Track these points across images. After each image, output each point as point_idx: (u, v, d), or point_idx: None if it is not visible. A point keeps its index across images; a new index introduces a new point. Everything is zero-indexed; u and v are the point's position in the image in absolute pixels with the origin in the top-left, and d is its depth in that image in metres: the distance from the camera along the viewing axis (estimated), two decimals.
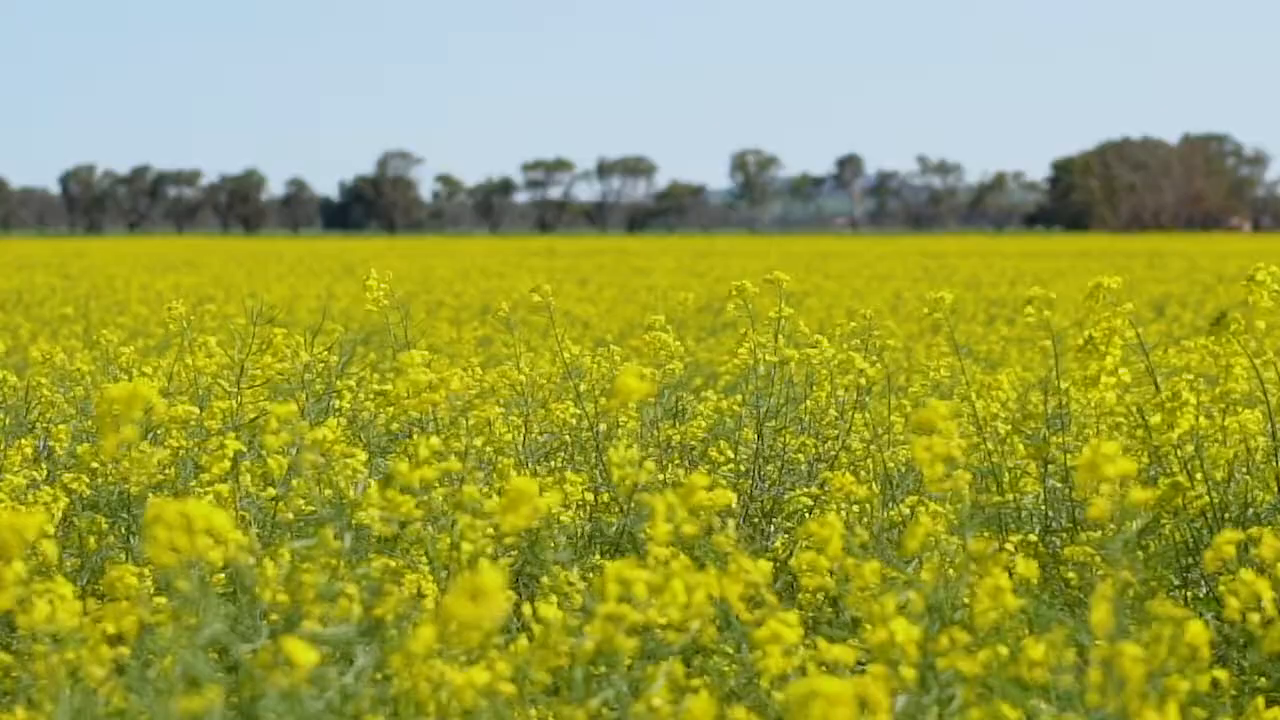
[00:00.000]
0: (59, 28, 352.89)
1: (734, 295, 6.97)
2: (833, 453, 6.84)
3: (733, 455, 6.84)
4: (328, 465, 4.31)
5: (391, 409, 5.99)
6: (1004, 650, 3.41)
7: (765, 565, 3.50)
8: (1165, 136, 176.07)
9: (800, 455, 6.87)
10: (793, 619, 3.40)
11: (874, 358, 6.96)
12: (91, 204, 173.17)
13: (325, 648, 3.27)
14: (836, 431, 6.93)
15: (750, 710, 3.34)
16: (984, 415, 6.23)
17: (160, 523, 3.00)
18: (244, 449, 5.23)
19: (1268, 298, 5.26)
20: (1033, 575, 3.82)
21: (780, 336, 6.91)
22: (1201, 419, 5.36)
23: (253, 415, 6.88)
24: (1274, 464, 5.38)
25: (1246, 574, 3.56)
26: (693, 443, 7.06)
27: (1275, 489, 5.36)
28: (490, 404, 7.02)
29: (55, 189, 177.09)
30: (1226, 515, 5.30)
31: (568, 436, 7.11)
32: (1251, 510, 5.36)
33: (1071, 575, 5.00)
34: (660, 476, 6.43)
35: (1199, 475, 5.34)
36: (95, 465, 6.34)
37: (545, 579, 3.22)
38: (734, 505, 5.95)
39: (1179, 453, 5.43)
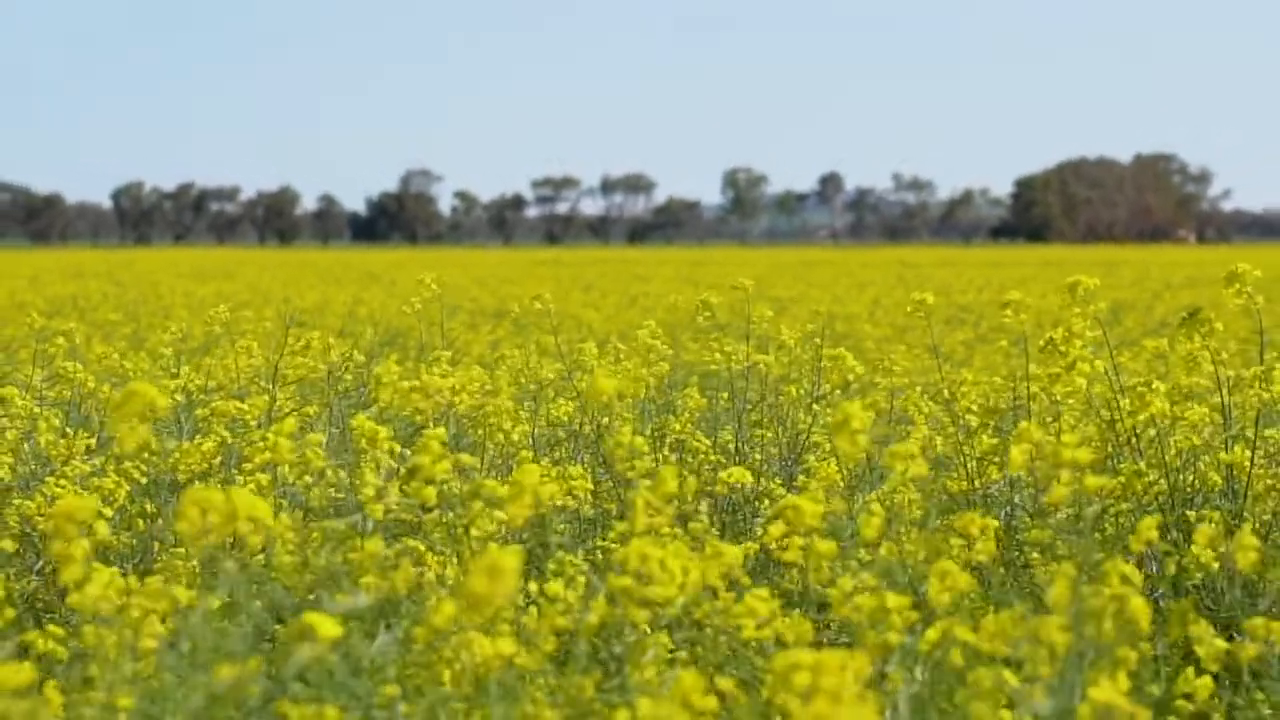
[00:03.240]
0: (112, 58, 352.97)
1: (700, 309, 7.00)
2: (804, 445, 6.83)
3: (710, 444, 6.83)
4: (356, 456, 4.29)
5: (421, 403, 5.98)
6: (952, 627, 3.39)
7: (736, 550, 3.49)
8: (1118, 156, 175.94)
9: (774, 449, 6.87)
10: (765, 595, 3.38)
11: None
12: (140, 218, 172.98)
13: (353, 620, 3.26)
14: (808, 425, 6.92)
15: (735, 678, 3.32)
16: (957, 409, 6.20)
17: (194, 505, 2.99)
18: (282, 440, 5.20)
19: (1236, 295, 5.25)
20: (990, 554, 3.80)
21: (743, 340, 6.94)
22: (1164, 406, 5.33)
23: (289, 410, 6.88)
24: (1225, 453, 5.37)
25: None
26: (683, 436, 7.05)
27: (1224, 476, 5.35)
28: (503, 400, 6.99)
29: (107, 204, 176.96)
30: (1177, 499, 5.27)
31: (561, 432, 7.10)
32: (1202, 495, 5.33)
33: (1036, 556, 4.98)
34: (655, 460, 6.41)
35: (1157, 462, 5.31)
36: (147, 455, 6.32)
37: (551, 562, 3.21)
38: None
39: (1137, 440, 5.40)
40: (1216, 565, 4.46)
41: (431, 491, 3.70)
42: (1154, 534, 3.62)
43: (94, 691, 3.20)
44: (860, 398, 7.11)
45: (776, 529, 3.42)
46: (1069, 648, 3.06)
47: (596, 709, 3.04)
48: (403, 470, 3.80)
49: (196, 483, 5.64)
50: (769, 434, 6.95)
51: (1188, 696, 3.62)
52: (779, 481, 6.45)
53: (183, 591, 3.18)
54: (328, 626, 2.81)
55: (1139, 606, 3.26)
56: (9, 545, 5.57)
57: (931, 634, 3.22)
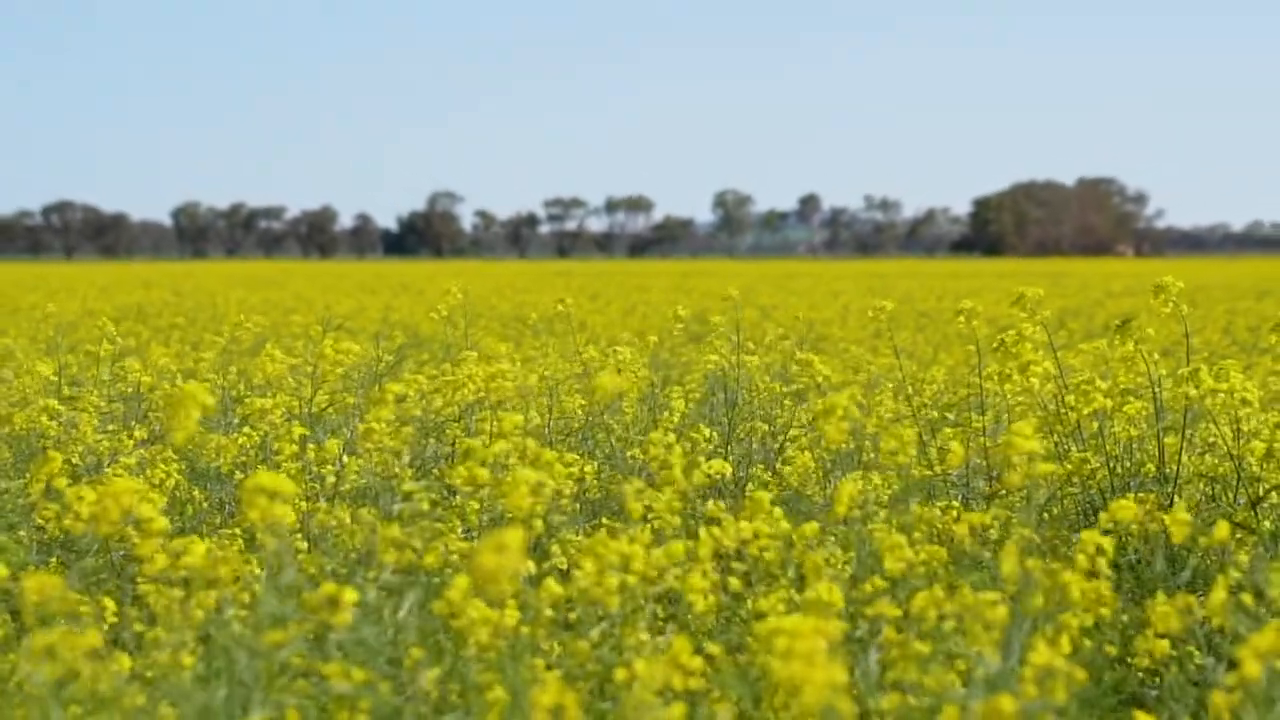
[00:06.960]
0: (172, 90, 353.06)
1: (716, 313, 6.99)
2: (786, 438, 6.81)
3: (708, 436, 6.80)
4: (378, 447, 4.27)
5: (456, 395, 5.96)
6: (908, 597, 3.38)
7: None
8: (1064, 179, 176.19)
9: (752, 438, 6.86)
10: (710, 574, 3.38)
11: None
12: (197, 234, 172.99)
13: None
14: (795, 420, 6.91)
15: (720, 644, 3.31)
16: (918, 404, 6.20)
17: (253, 489, 3.00)
18: (308, 433, 5.19)
19: (1163, 305, 5.26)
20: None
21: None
22: (1106, 401, 5.33)
23: (324, 406, 6.85)
24: (1157, 444, 5.37)
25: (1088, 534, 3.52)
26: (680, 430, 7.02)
27: (1156, 464, 5.35)
28: (521, 396, 6.96)
29: (168, 222, 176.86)
30: (1117, 484, 5.26)
31: (574, 423, 7.08)
32: (1139, 480, 5.33)
33: (994, 533, 4.97)
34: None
35: (1100, 451, 5.31)
36: (191, 447, 6.30)
37: (555, 544, 3.20)
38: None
39: (1082, 431, 5.40)
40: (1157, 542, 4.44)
41: (484, 472, 3.69)
42: (1129, 514, 3.60)
43: (158, 652, 3.19)
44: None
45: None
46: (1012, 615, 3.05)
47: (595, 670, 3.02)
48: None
49: (237, 473, 5.61)
50: (751, 427, 6.92)
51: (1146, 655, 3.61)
52: (763, 467, 6.42)
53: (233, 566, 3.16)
54: (349, 594, 2.80)
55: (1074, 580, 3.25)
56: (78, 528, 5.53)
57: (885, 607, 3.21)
